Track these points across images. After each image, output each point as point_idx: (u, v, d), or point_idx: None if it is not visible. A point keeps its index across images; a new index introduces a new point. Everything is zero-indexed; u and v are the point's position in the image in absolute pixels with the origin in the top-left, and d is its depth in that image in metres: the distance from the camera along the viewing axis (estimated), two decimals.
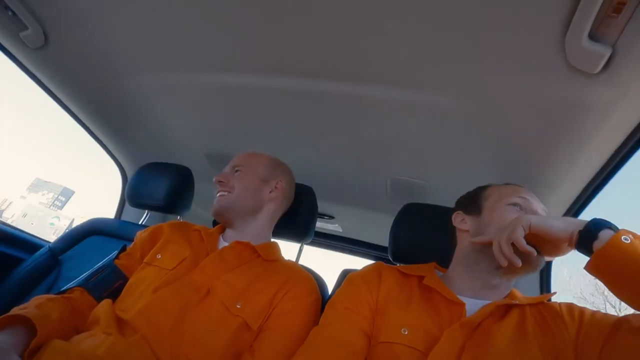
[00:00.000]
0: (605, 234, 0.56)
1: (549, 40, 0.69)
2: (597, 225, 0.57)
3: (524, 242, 0.61)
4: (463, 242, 0.80)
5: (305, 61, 0.95)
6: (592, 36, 0.64)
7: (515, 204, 0.74)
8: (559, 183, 1.01)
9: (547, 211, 0.75)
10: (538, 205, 0.75)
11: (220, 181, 0.94)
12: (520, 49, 0.73)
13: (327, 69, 0.96)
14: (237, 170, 0.97)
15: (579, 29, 0.63)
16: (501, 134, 0.98)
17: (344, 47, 0.87)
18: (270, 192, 0.98)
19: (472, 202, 0.82)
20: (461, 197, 0.89)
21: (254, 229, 0.95)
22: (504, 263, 0.63)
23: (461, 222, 0.82)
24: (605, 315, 0.63)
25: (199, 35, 0.96)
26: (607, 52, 0.65)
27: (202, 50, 1.01)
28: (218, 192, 0.95)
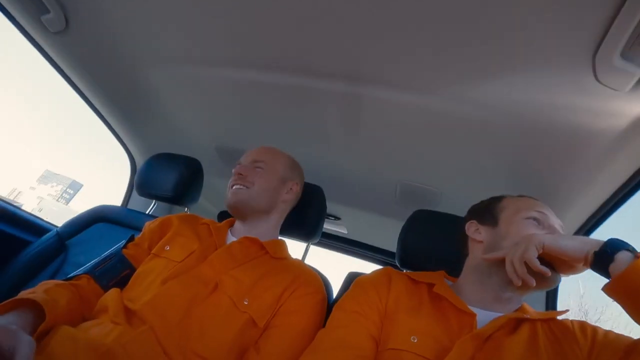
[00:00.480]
0: (622, 257, 0.55)
1: (579, 54, 0.68)
2: (614, 246, 0.56)
3: (537, 262, 0.60)
4: (475, 253, 0.79)
5: (322, 60, 0.95)
6: (625, 55, 0.63)
7: (533, 218, 0.73)
8: (574, 199, 1.00)
9: (563, 227, 0.74)
10: (555, 221, 0.74)
11: (240, 173, 0.93)
12: (547, 61, 0.72)
13: (341, 70, 0.95)
14: (257, 166, 0.96)
15: (612, 46, 0.62)
16: (518, 144, 0.97)
17: (363, 49, 0.87)
18: (286, 193, 0.98)
19: (487, 212, 0.81)
20: (474, 205, 0.88)
21: (265, 227, 0.95)
22: (518, 282, 0.62)
23: (475, 231, 0.81)
24: (618, 336, 0.62)
25: (217, 29, 0.96)
26: (638, 72, 0.64)
27: (218, 43, 1.01)
28: (234, 184, 0.93)
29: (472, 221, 0.83)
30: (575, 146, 0.88)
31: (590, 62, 0.67)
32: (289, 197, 0.99)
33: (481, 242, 0.78)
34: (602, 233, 1.00)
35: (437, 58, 0.82)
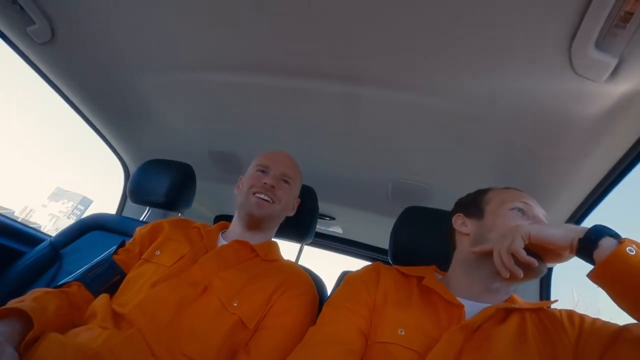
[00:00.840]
0: (606, 243, 0.55)
1: (555, 46, 0.69)
2: (598, 233, 0.57)
3: (524, 252, 0.61)
4: (463, 245, 0.79)
5: (310, 61, 0.95)
6: (599, 45, 0.64)
7: (518, 209, 0.74)
8: (562, 189, 1.01)
9: (547, 216, 0.75)
10: (539, 211, 0.75)
11: (272, 186, 0.91)
12: (526, 54, 0.73)
13: (331, 70, 0.96)
14: (285, 180, 0.96)
15: (586, 37, 0.63)
16: (505, 138, 0.98)
17: (349, 48, 0.87)
18: (291, 209, 1.01)
19: (473, 205, 0.82)
20: (461, 199, 0.89)
21: (263, 236, 0.96)
22: (506, 274, 0.63)
23: (462, 224, 0.81)
24: (606, 323, 0.62)
25: (204, 33, 0.96)
26: (613, 62, 0.65)
27: (206, 48, 1.01)
28: (261, 193, 0.91)
29: (458, 214, 0.84)
30: (558, 137, 0.88)
31: (567, 54, 0.68)
32: (291, 213, 1.02)
33: (468, 234, 0.79)
34: (593, 222, 1.01)
35: (422, 55, 0.83)
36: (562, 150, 0.91)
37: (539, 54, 0.72)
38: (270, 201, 0.91)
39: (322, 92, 1.04)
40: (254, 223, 0.92)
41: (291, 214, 1.01)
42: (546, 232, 0.62)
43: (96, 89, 1.27)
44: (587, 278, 0.58)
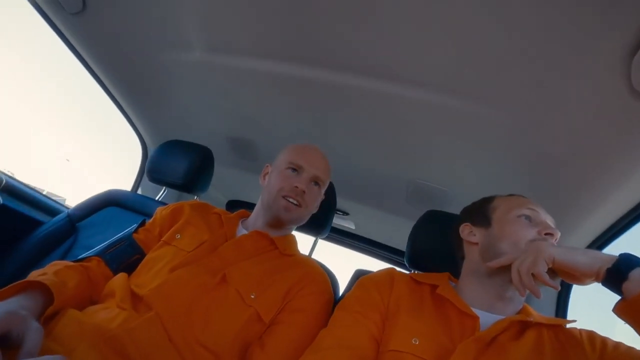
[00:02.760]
0: (637, 275, 0.53)
1: (614, 60, 0.65)
2: (627, 263, 0.55)
3: (547, 277, 0.59)
4: (472, 255, 0.78)
5: (337, 54, 0.93)
6: None
7: (525, 216, 0.72)
8: (592, 210, 0.96)
9: (554, 223, 0.73)
10: (546, 217, 0.73)
11: (304, 191, 0.88)
12: (578, 65, 0.69)
13: (359, 64, 0.94)
14: (316, 183, 0.92)
15: None
16: (539, 150, 0.94)
17: (383, 43, 0.85)
18: (315, 207, 0.98)
19: (479, 213, 0.80)
20: (466, 207, 0.87)
21: (287, 230, 0.96)
22: (523, 294, 0.62)
23: (469, 234, 0.80)
24: (630, 349, 0.60)
25: (235, 17, 0.94)
26: None
27: (235, 34, 1.00)
28: (291, 197, 0.87)
29: (465, 224, 0.82)
30: (600, 156, 0.84)
31: (628, 69, 0.64)
32: (316, 210, 0.98)
33: (476, 244, 0.77)
34: (618, 248, 0.97)
35: (457, 55, 0.80)
36: (600, 168, 0.87)
37: (594, 66, 0.68)
38: (299, 205, 0.88)
39: (346, 86, 1.02)
40: (279, 224, 0.91)
41: (315, 211, 0.99)
42: (571, 258, 0.59)
43: (122, 64, 1.27)
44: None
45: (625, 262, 0.55)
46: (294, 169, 0.90)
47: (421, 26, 0.76)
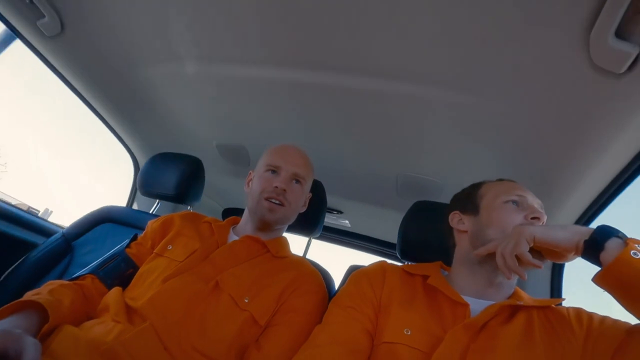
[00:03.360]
0: (612, 244, 0.54)
1: (573, 36, 0.66)
2: (603, 234, 0.56)
3: (529, 256, 0.60)
4: (462, 243, 0.79)
5: (319, 54, 0.94)
6: (619, 34, 0.61)
7: (512, 202, 0.73)
8: (574, 188, 0.98)
9: (542, 206, 0.74)
10: (534, 201, 0.74)
11: (284, 190, 0.89)
12: (544, 46, 0.71)
13: (341, 63, 0.94)
14: (297, 180, 0.93)
15: (606, 26, 0.60)
16: (520, 134, 0.96)
17: (363, 41, 0.86)
18: (303, 205, 0.99)
19: (467, 201, 0.81)
20: (456, 195, 0.88)
21: (275, 233, 0.96)
22: (509, 276, 0.63)
23: (459, 222, 0.81)
24: (615, 322, 0.61)
25: (213, 26, 0.95)
26: (634, 52, 0.62)
27: (216, 41, 1.01)
28: (272, 198, 0.88)
29: (455, 212, 0.83)
30: (573, 132, 0.86)
31: (586, 44, 0.66)
32: (304, 209, 1.00)
33: (466, 231, 0.78)
34: (605, 221, 0.99)
35: (434, 46, 0.81)
36: (577, 146, 0.88)
37: (557, 45, 0.69)
38: (282, 204, 0.89)
39: (330, 85, 1.02)
40: (266, 226, 0.92)
41: (303, 209, 1.00)
42: (551, 234, 0.61)
43: (105, 81, 1.28)
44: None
45: (601, 233, 0.56)
46: (273, 170, 0.92)
47: (403, 21, 0.77)
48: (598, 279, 0.55)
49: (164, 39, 1.06)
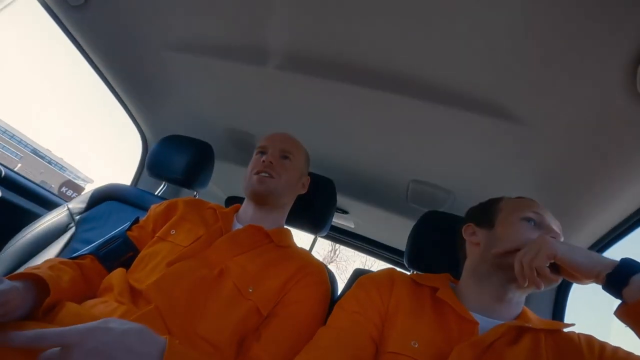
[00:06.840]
0: (637, 280, 0.53)
1: (619, 65, 0.64)
2: (628, 268, 0.54)
3: (548, 271, 0.59)
4: (473, 256, 0.78)
5: (341, 53, 0.92)
6: None
7: (529, 219, 0.71)
8: (595, 214, 0.96)
9: (560, 228, 0.73)
10: (552, 222, 0.72)
11: (271, 162, 0.91)
12: (586, 71, 0.69)
13: (362, 63, 0.93)
14: (285, 156, 0.95)
15: None
16: (548, 155, 0.94)
17: (377, 41, 0.84)
18: (301, 187, 1.00)
19: (484, 214, 0.80)
20: (472, 208, 0.87)
21: (275, 217, 0.95)
22: (524, 284, 0.61)
23: (472, 234, 0.80)
24: (629, 354, 0.60)
25: (236, 13, 0.94)
26: None
27: (237, 28, 1.00)
28: (261, 171, 0.91)
29: (469, 224, 0.82)
30: (603, 159, 0.84)
31: (634, 74, 0.63)
32: (302, 191, 1.00)
33: (478, 244, 0.77)
34: (619, 250, 0.97)
35: (470, 62, 0.79)
36: (605, 174, 0.86)
37: (600, 72, 0.67)
38: (270, 176, 0.90)
39: (348, 85, 1.01)
40: (259, 200, 0.92)
41: (303, 191, 1.01)
42: (573, 258, 0.59)
43: (123, 58, 1.26)
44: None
45: (625, 268, 0.55)
46: (262, 152, 0.96)
47: (423, 26, 0.76)
48: (621, 313, 0.54)
49: (183, 22, 1.05)
